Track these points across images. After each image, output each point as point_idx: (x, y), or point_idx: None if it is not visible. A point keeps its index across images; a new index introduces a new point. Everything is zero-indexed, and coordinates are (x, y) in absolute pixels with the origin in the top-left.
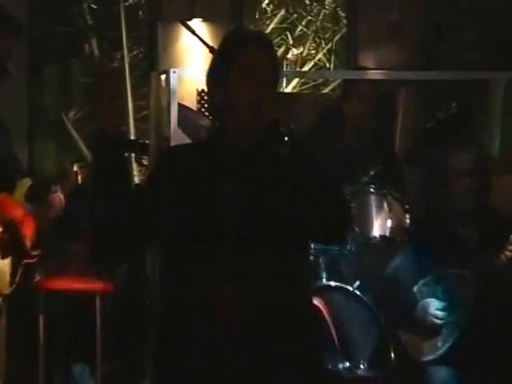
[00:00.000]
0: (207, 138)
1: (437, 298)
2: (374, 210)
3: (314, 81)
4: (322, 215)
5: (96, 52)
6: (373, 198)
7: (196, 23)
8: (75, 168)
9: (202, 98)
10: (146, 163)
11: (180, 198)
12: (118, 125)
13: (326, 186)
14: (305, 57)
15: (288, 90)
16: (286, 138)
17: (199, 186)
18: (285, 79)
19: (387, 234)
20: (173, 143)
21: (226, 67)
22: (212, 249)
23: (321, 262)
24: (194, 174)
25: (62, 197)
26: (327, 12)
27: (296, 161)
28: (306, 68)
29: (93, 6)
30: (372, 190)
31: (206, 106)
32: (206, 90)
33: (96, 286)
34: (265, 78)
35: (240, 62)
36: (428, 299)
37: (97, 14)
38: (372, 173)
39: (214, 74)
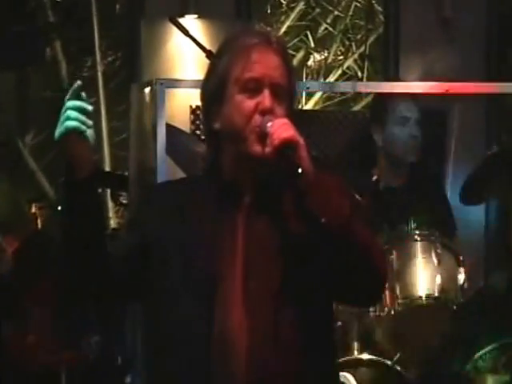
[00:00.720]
0: (203, 171)
1: (498, 373)
2: (419, 262)
3: (342, 95)
4: (347, 269)
5: (60, 58)
6: (418, 247)
7: (190, 21)
8: (33, 209)
9: (198, 117)
10: (124, 201)
11: (170, 250)
12: (88, 167)
13: (351, 232)
14: (330, 64)
15: (308, 106)
16: (300, 170)
17: (193, 236)
18: (304, 93)
19: (436, 294)
20: (159, 175)
21: (223, 78)
22: (211, 312)
23: (351, 329)
24: (187, 219)
25: (8, 250)
26: (359, 5)
27: (313, 199)
28: (331, 78)
29: None
30: (417, 236)
31: (202, 127)
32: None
33: (61, 358)
34: (275, 93)
35: (241, 71)
36: (487, 375)
37: (61, 9)
38: (416, 216)
39: (210, 86)
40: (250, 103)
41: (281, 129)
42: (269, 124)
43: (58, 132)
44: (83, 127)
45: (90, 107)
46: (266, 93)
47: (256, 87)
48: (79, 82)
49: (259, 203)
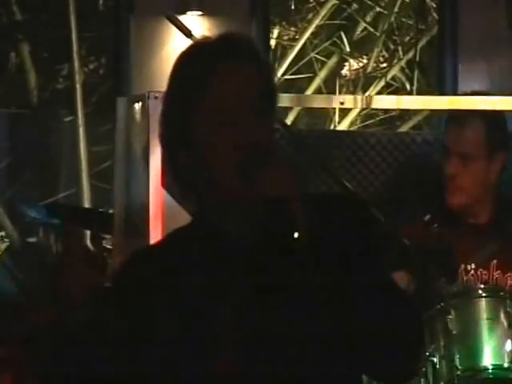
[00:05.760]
0: (191, 221)
1: None
2: (483, 324)
3: (385, 112)
4: (368, 344)
5: (28, 65)
6: (483, 305)
7: (192, 19)
8: None
9: None
10: (108, 246)
11: (155, 325)
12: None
13: (379, 296)
14: (370, 73)
15: (342, 126)
16: (297, 234)
17: (181, 306)
18: (337, 110)
19: (506, 364)
20: (153, 214)
21: (187, 108)
22: None
23: None
24: (169, 285)
25: None
26: (407, 1)
27: (319, 262)
28: (371, 91)
29: None
30: (481, 292)
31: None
32: None
33: None
34: (255, 110)
35: (209, 97)
36: None
37: (30, 5)
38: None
39: (171, 119)
40: (220, 141)
41: (271, 176)
42: (251, 166)
43: None
44: None
45: None
46: (241, 121)
47: (226, 117)
48: None
49: (252, 270)
